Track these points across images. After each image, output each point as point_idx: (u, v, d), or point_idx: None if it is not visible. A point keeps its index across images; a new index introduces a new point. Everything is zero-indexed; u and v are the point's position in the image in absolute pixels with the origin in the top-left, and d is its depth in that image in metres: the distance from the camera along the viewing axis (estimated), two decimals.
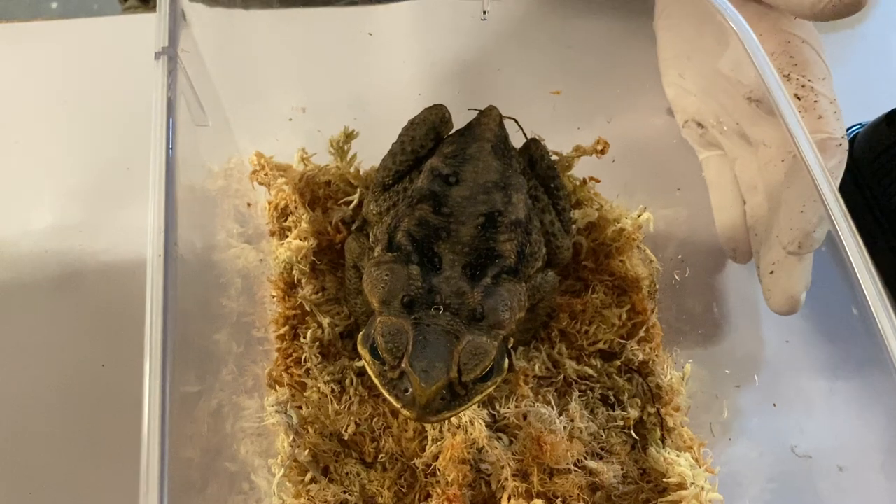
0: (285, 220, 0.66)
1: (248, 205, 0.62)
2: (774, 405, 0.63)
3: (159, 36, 0.46)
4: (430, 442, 0.59)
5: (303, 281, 0.64)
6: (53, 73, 0.82)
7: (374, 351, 0.51)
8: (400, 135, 0.63)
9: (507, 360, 0.54)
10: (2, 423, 0.65)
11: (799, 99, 0.67)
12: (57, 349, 0.69)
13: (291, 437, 0.55)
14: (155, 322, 0.46)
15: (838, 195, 0.54)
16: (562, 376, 0.63)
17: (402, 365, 0.50)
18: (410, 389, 0.50)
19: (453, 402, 0.51)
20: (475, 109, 0.62)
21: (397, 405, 0.51)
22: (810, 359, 0.70)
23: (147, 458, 0.42)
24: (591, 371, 0.63)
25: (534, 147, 0.65)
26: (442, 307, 0.53)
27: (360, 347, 0.54)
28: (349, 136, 0.65)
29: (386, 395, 0.51)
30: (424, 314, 0.52)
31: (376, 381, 0.52)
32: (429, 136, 0.62)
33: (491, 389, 0.53)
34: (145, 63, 0.81)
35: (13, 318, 0.70)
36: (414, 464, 0.58)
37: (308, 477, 0.56)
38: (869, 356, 0.54)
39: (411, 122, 0.63)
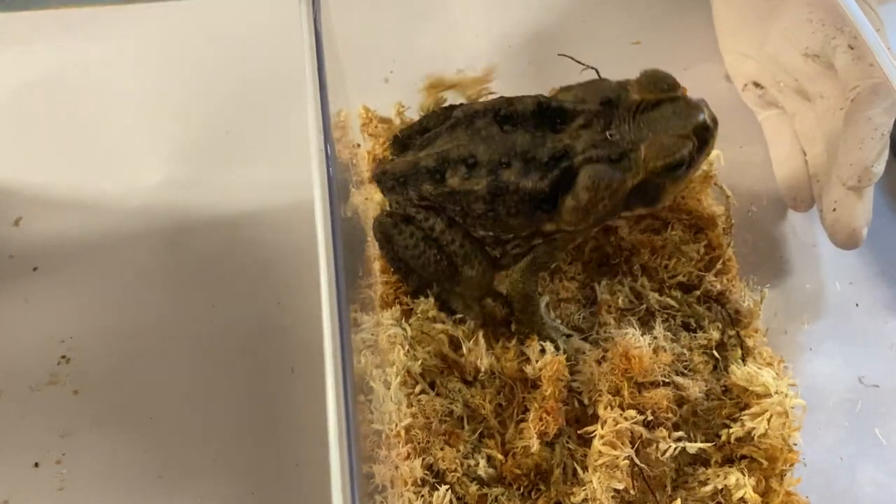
0: None
1: (358, 145, 0.68)
2: (846, 318, 0.67)
3: None
4: (533, 362, 0.63)
5: None
6: (159, 50, 0.89)
7: None
8: None
9: None
10: (123, 356, 0.71)
11: (852, 49, 0.71)
12: (170, 292, 0.74)
13: (406, 348, 0.60)
14: (328, 255, 0.46)
15: None
16: (644, 306, 0.68)
17: None
18: None
19: None
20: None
21: None
22: (873, 298, 0.74)
23: (333, 369, 0.44)
24: (672, 301, 0.68)
25: None
26: None
27: None
28: (438, 102, 0.71)
29: None
30: None
31: None
32: None
33: None
34: (238, 42, 0.88)
35: (129, 264, 0.75)
36: (511, 382, 0.63)
37: (418, 388, 0.61)
38: None
39: None
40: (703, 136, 0.58)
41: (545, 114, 0.59)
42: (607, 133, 0.58)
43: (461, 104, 0.65)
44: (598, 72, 0.71)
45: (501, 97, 0.62)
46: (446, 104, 0.69)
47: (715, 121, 0.59)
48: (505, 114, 0.60)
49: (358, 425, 0.45)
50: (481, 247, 0.63)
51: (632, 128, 0.58)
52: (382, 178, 0.63)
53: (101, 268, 0.75)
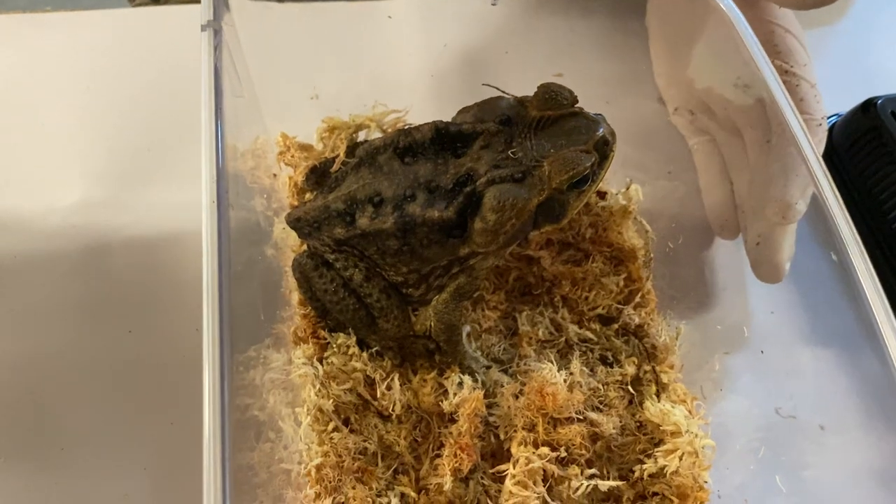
0: (304, 196, 0.71)
1: (274, 175, 0.67)
2: (762, 352, 0.67)
3: (205, 10, 0.51)
4: (451, 396, 0.63)
5: None
6: (78, 62, 0.86)
7: None
8: None
9: None
10: (34, 384, 0.69)
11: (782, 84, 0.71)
12: (85, 316, 0.72)
13: (317, 388, 0.59)
14: (211, 284, 0.46)
15: (822, 163, 0.58)
16: (563, 339, 0.67)
17: None
18: None
19: None
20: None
21: None
22: (794, 328, 0.75)
23: (211, 411, 0.44)
24: (590, 334, 0.68)
25: None
26: None
27: None
28: (353, 139, 0.70)
29: None
30: None
31: None
32: None
33: None
34: (163, 54, 0.86)
35: (44, 287, 0.73)
36: (428, 416, 0.63)
37: (331, 426, 0.60)
38: (849, 326, 0.59)
39: None
40: (603, 150, 0.58)
41: (445, 139, 0.58)
42: (510, 152, 0.57)
43: (364, 142, 0.64)
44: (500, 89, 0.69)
45: (399, 129, 0.61)
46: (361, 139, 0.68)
47: (613, 134, 0.59)
48: (404, 145, 0.58)
49: (235, 467, 0.44)
50: (400, 299, 0.62)
51: (533, 145, 0.57)
52: (297, 224, 0.61)
53: (14, 291, 0.73)
